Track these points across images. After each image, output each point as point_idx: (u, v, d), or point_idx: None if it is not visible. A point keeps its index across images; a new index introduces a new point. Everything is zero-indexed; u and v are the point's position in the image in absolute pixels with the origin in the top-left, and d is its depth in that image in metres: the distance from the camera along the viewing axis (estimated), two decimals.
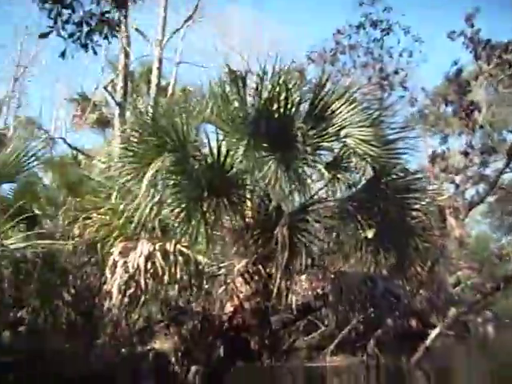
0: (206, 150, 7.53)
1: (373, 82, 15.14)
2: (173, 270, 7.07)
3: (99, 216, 8.04)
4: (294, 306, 7.58)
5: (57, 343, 10.70)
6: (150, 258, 6.94)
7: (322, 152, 7.70)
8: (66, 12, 5.36)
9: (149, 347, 8.97)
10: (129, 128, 8.94)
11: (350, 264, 9.05)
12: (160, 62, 19.75)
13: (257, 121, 7.18)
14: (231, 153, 7.37)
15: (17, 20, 26.00)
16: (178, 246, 7.19)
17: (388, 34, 17.77)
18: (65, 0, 5.30)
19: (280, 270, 6.75)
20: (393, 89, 15.91)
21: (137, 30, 20.33)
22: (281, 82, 7.28)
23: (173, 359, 7.65)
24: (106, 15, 5.53)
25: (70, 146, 19.92)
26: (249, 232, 7.44)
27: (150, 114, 8.08)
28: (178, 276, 7.14)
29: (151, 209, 7.08)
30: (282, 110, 7.23)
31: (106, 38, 5.49)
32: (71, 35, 5.31)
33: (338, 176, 7.87)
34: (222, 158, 7.34)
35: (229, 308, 7.52)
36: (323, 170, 7.51)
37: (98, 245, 7.90)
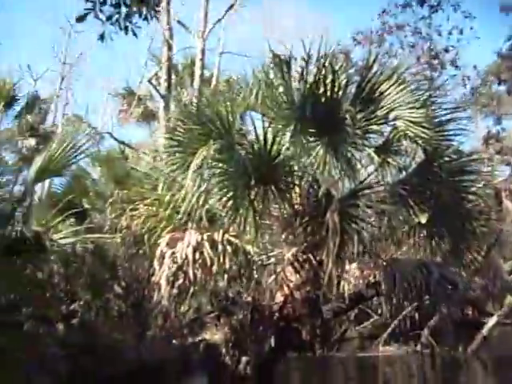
0: (251, 137, 7.40)
1: (422, 62, 14.64)
2: (221, 260, 6.95)
3: (146, 207, 8.01)
4: (346, 294, 7.40)
5: (108, 336, 10.83)
6: (197, 248, 6.83)
7: (371, 135, 7.49)
8: None
9: (199, 338, 8.94)
10: (174, 118, 8.90)
11: (402, 251, 8.85)
12: (203, 53, 19.76)
13: (303, 105, 6.99)
14: (277, 139, 7.20)
15: (63, 19, 26.28)
16: (226, 236, 7.06)
17: (436, 11, 16.89)
18: None
19: (331, 257, 6.56)
20: (443, 67, 15.30)
21: (179, 22, 20.36)
22: (326, 64, 7.08)
23: (223, 350, 7.56)
24: None
25: (116, 140, 20.18)
26: (297, 219, 7.28)
27: (194, 105, 8.02)
28: (227, 266, 7.02)
29: (198, 198, 7.00)
30: (328, 93, 7.04)
31: (145, 18, 5.32)
32: (109, 17, 5.17)
33: (388, 160, 7.63)
34: (268, 145, 7.19)
35: (279, 298, 7.40)
36: (373, 154, 7.27)
37: (146, 236, 7.87)
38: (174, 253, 6.81)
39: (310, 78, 7.07)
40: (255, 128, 7.47)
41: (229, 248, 6.99)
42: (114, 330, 11.08)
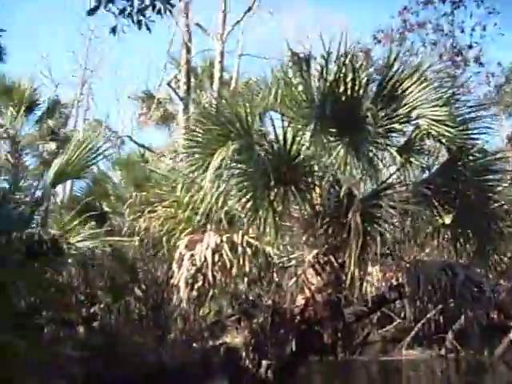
0: (271, 137, 7.30)
1: (444, 60, 14.38)
2: (241, 262, 6.84)
3: (164, 209, 7.96)
4: (368, 297, 7.25)
5: (129, 338, 10.83)
6: (217, 250, 6.73)
7: (393, 135, 7.34)
8: None
9: (220, 341, 8.87)
10: (193, 119, 8.84)
11: (425, 253, 8.69)
12: (222, 55, 19.76)
13: (323, 104, 6.85)
14: (297, 139, 7.08)
15: (84, 25, 26.49)
16: (246, 238, 6.95)
17: (458, 7, 16.51)
18: None
19: (353, 259, 6.41)
20: (467, 64, 14.97)
21: (197, 24, 20.35)
22: (347, 62, 6.95)
23: (243, 354, 7.45)
24: None
25: (136, 143, 20.28)
26: (318, 220, 7.13)
27: (213, 106, 7.94)
28: (247, 268, 6.92)
29: (217, 199, 6.89)
30: (349, 91, 6.90)
31: (159, 12, 5.16)
32: (122, 11, 5.07)
33: (411, 160, 7.48)
34: (288, 145, 7.07)
35: (300, 300, 7.27)
36: (395, 154, 7.11)
37: (164, 238, 7.80)
38: (192, 255, 6.72)
39: (330, 77, 6.93)
40: (274, 128, 7.35)
41: (248, 250, 6.87)
42: (135, 333, 11.09)
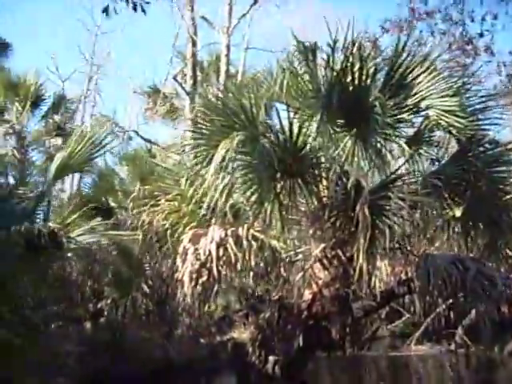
0: (276, 128, 7.16)
1: (454, 49, 14.16)
2: (246, 256, 6.69)
3: (168, 202, 7.84)
4: (377, 292, 7.11)
5: (135, 334, 10.77)
6: (221, 244, 6.59)
7: (401, 125, 7.20)
8: None
9: (227, 337, 8.81)
10: (198, 110, 8.72)
11: (435, 246, 8.55)
12: (228, 49, 19.62)
13: (329, 94, 6.69)
14: (303, 130, 6.95)
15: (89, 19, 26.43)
16: (251, 231, 6.79)
17: None
18: None
19: (361, 253, 6.26)
20: (477, 53, 14.70)
21: (203, 17, 20.21)
22: (354, 51, 6.79)
23: (250, 349, 7.34)
24: None
25: (142, 138, 20.19)
26: (325, 213, 6.99)
27: (219, 98, 7.81)
28: (253, 263, 6.78)
29: (221, 192, 6.76)
30: (356, 81, 6.74)
31: None
32: None
33: (420, 151, 7.35)
34: (294, 136, 6.96)
35: (307, 295, 7.13)
36: (404, 145, 6.96)
37: (168, 232, 7.68)
38: (197, 249, 6.58)
39: (337, 66, 6.78)
40: (280, 119, 7.24)
41: (254, 244, 6.72)
42: (141, 329, 11.03)
